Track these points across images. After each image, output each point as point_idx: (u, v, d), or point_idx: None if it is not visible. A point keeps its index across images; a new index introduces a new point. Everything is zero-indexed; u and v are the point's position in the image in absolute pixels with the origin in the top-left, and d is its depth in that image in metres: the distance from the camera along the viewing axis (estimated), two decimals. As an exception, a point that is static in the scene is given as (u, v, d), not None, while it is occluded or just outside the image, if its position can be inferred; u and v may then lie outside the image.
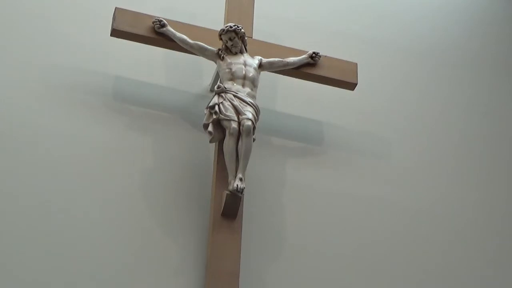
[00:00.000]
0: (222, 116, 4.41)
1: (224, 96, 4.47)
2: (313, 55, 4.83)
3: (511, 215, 5.25)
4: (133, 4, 4.68)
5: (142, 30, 4.59)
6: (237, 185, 4.28)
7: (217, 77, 4.74)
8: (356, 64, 4.94)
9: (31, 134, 4.46)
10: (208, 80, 4.91)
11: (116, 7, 4.58)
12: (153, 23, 4.59)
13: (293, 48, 4.86)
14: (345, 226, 4.79)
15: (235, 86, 4.52)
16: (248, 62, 4.63)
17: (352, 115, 5.20)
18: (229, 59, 4.61)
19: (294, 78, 4.89)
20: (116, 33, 4.57)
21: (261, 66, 4.69)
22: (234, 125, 4.39)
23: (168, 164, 4.62)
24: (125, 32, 4.58)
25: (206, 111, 4.47)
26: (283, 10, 5.44)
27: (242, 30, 4.64)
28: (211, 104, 4.46)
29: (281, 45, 4.89)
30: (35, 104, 4.56)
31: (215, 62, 4.66)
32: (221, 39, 4.64)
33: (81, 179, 4.42)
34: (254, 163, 4.52)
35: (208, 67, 4.83)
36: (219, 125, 4.44)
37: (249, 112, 4.42)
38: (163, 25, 4.59)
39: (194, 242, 4.41)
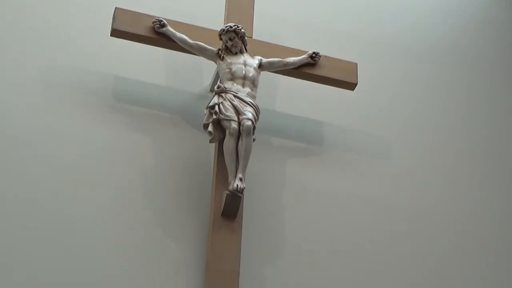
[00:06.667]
0: (222, 116, 4.41)
1: (224, 96, 4.47)
2: (313, 55, 4.83)
3: (511, 215, 5.25)
4: (133, 4, 4.69)
5: (142, 30, 4.59)
6: (237, 185, 4.28)
7: (217, 77, 4.74)
8: (356, 64, 4.93)
9: (31, 134, 4.46)
10: (208, 80, 4.91)
11: (116, 7, 4.58)
12: (153, 23, 4.59)
13: (293, 48, 4.86)
14: (345, 226, 4.79)
15: (235, 86, 4.52)
16: (248, 62, 4.63)
17: (352, 115, 5.20)
18: (229, 59, 4.60)
19: (294, 78, 4.89)
20: (116, 33, 4.57)
21: (261, 66, 4.69)
22: (234, 125, 4.39)
23: (168, 164, 4.62)
24: (125, 32, 4.58)
25: (206, 111, 4.48)
26: (283, 10, 5.44)
27: (242, 30, 4.64)
28: (211, 104, 4.46)
29: (281, 45, 4.89)
30: (35, 104, 4.56)
31: (215, 62, 4.65)
32: (221, 39, 4.64)
33: (81, 179, 4.41)
34: (254, 163, 4.52)
35: (208, 67, 4.83)
36: (219, 125, 4.44)
37: (249, 112, 4.42)
38: (163, 25, 4.59)
39: (194, 242, 4.41)
